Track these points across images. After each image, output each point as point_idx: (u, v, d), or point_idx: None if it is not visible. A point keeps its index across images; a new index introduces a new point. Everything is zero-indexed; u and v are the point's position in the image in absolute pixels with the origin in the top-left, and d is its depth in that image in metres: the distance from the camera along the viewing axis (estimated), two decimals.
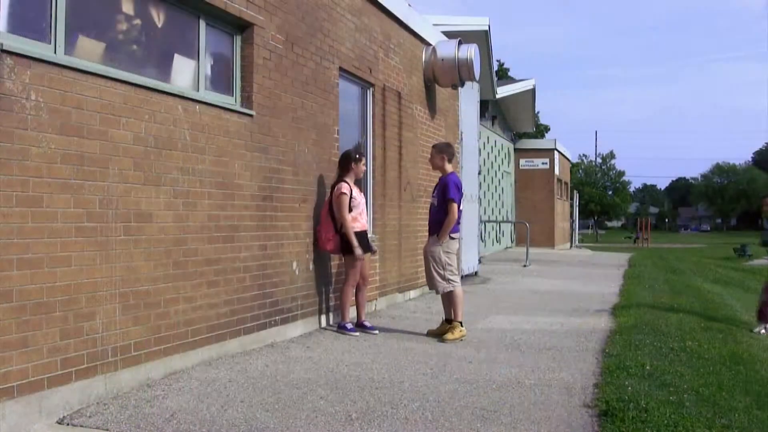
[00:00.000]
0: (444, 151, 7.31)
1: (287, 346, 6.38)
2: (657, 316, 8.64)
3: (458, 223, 7.14)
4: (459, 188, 7.11)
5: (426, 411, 4.41)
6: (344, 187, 7.02)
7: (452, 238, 7.09)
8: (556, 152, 27.54)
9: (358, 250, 6.99)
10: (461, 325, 7.01)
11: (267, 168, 6.35)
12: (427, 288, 8.80)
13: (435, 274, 7.08)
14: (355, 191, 7.16)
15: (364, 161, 7.27)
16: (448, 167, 7.28)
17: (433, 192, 7.36)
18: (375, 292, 8.66)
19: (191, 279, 5.33)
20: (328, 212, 7.11)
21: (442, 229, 7.01)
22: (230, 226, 5.82)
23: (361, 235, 7.19)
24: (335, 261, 7.61)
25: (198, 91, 5.64)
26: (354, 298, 7.36)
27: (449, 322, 7.11)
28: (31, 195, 3.98)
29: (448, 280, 7.07)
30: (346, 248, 7.07)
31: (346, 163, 7.21)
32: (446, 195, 7.01)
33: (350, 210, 7.05)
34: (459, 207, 7.10)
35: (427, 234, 7.37)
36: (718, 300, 11.58)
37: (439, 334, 7.04)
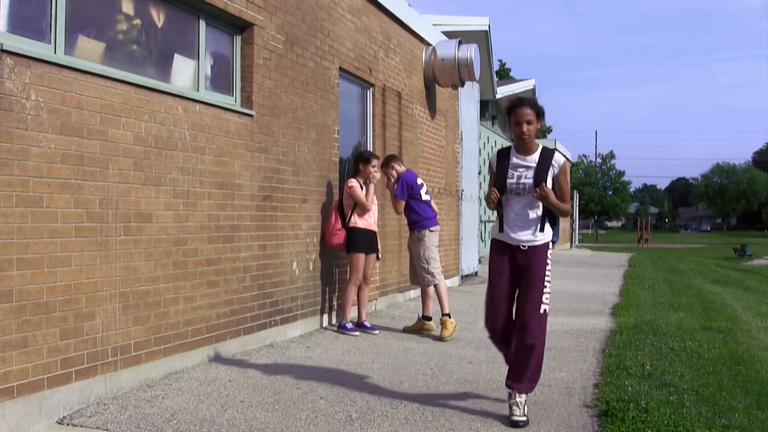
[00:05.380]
0: (394, 161, 7.61)
1: (287, 346, 6.38)
2: (657, 316, 8.65)
3: (435, 215, 7.46)
4: (407, 185, 7.34)
5: (426, 411, 4.40)
6: (351, 181, 7.21)
7: (432, 231, 7.30)
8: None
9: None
10: (449, 317, 7.05)
11: (267, 168, 6.36)
12: None
13: (420, 270, 7.26)
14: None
15: (374, 163, 7.29)
16: (402, 168, 7.57)
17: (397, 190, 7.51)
18: (375, 292, 8.66)
19: (191, 279, 5.34)
20: (338, 208, 7.25)
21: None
22: (230, 226, 5.82)
23: (368, 235, 7.27)
24: (336, 261, 7.61)
25: (198, 91, 5.65)
26: (355, 297, 7.38)
27: (427, 318, 7.29)
28: (31, 195, 3.98)
29: (432, 274, 7.21)
30: (350, 245, 7.16)
31: (356, 163, 7.37)
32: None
33: (354, 208, 7.17)
34: (427, 201, 7.40)
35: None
36: (718, 300, 11.58)
37: (415, 330, 7.25)
